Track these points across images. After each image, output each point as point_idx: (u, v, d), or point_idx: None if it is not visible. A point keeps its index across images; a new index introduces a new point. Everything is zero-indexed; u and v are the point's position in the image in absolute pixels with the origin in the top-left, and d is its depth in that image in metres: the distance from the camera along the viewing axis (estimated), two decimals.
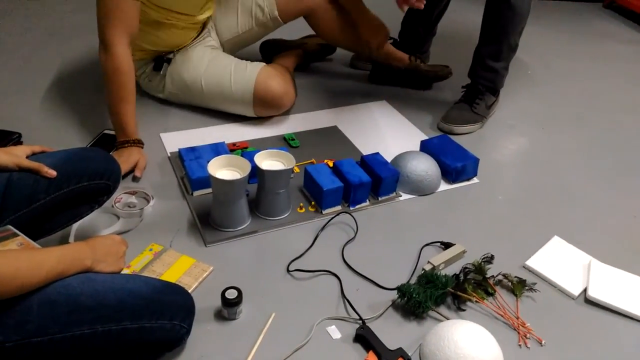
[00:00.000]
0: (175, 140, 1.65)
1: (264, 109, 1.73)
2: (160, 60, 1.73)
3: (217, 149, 1.51)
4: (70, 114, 1.74)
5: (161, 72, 1.74)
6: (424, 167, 1.50)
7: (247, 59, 1.76)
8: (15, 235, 0.95)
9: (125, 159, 1.44)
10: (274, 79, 1.69)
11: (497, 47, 1.77)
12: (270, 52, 2.08)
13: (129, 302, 0.90)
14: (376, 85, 2.08)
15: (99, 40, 1.43)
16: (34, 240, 0.96)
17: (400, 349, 1.05)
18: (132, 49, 1.70)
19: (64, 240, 1.24)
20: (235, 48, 1.94)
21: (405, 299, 1.14)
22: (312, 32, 2.04)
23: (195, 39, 1.77)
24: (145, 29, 1.64)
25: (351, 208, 1.43)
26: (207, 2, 1.70)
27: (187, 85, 1.74)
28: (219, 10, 1.86)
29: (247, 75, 1.68)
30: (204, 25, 1.81)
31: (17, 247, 0.93)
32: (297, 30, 2.06)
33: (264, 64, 1.74)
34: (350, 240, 1.34)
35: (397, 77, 2.05)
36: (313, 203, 1.43)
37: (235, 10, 1.86)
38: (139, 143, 1.49)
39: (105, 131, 1.63)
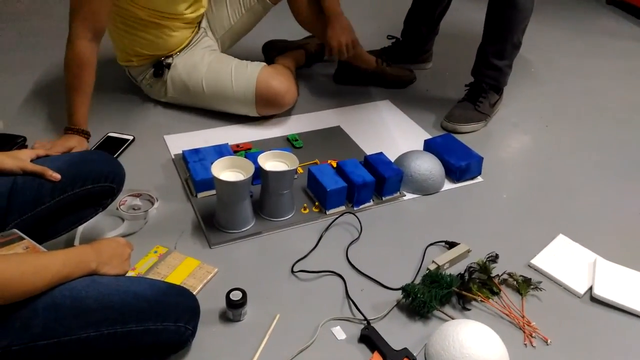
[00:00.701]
0: (179, 142, 1.65)
1: (266, 107, 1.73)
2: (160, 66, 1.73)
3: (221, 151, 1.51)
4: None
5: (162, 78, 1.74)
6: (428, 166, 1.50)
7: (248, 60, 1.76)
8: (21, 238, 0.96)
9: (61, 142, 1.41)
10: (275, 77, 1.70)
11: (501, 45, 1.77)
12: (272, 53, 2.08)
13: (134, 304, 0.90)
14: (348, 86, 2.05)
15: (68, 33, 1.44)
16: (39, 243, 0.97)
17: (405, 349, 1.05)
18: (130, 55, 1.72)
19: (69, 244, 1.24)
20: (231, 42, 1.95)
21: (410, 299, 1.14)
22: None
23: (191, 40, 1.77)
24: (139, 33, 1.65)
25: (355, 208, 1.43)
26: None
27: (188, 89, 1.74)
28: (209, 8, 1.86)
29: (248, 75, 1.69)
30: (198, 25, 1.81)
31: (23, 251, 0.93)
32: (299, 31, 2.06)
33: (265, 63, 1.74)
34: (355, 240, 1.34)
35: (362, 78, 2.04)
36: (317, 203, 1.43)
37: (223, 2, 1.86)
38: (83, 133, 1.47)
39: (110, 134, 1.63)
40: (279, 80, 1.70)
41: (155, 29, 1.66)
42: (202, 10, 1.77)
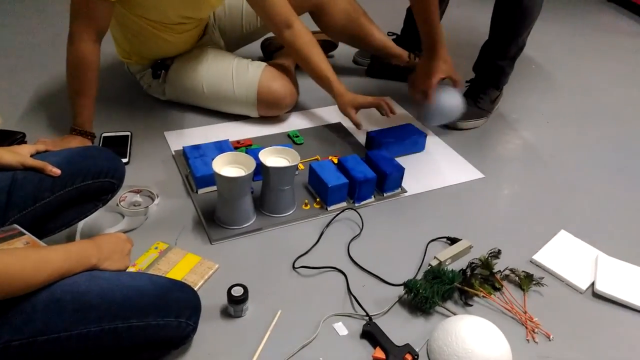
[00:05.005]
0: (180, 138, 1.64)
1: (267, 109, 1.72)
2: (158, 67, 1.72)
3: (221, 147, 1.50)
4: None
5: (160, 80, 1.73)
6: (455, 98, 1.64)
7: (247, 57, 1.75)
8: (22, 234, 0.95)
9: (63, 141, 1.41)
10: (276, 80, 1.69)
11: (505, 45, 1.76)
12: (270, 50, 2.08)
13: (135, 299, 0.90)
14: (380, 81, 2.07)
15: (68, 31, 1.41)
16: (40, 239, 0.96)
17: (407, 344, 1.05)
18: (129, 54, 1.71)
19: (70, 239, 1.24)
20: (238, 46, 1.94)
21: (412, 294, 1.13)
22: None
23: (194, 45, 1.76)
24: (138, 37, 1.63)
25: (356, 204, 1.43)
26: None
27: (188, 90, 1.73)
28: (222, 10, 1.85)
29: (250, 78, 1.67)
30: (204, 30, 1.79)
31: (23, 246, 0.93)
32: None
33: (265, 64, 1.73)
34: (356, 236, 1.33)
35: (394, 73, 2.05)
36: (318, 200, 1.42)
37: (239, 10, 1.85)
38: (86, 134, 1.46)
39: (104, 134, 1.61)
40: (280, 82, 1.69)
41: (153, 37, 1.62)
42: (203, 26, 1.74)
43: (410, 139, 1.63)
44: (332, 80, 1.67)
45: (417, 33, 2.08)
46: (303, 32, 1.64)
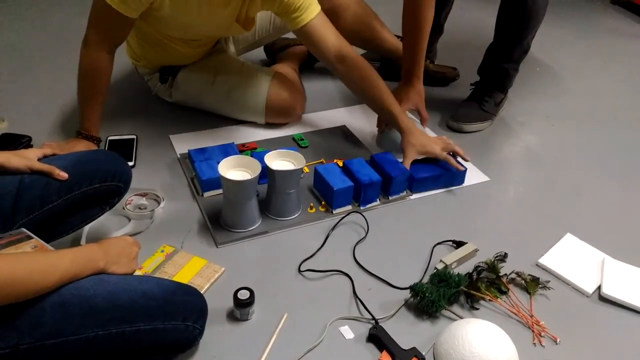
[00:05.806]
0: (185, 141, 1.65)
1: (275, 117, 1.73)
2: (165, 72, 1.72)
3: (227, 150, 1.50)
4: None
5: (166, 85, 1.74)
6: None
7: (250, 59, 1.75)
8: (29, 238, 0.95)
9: (69, 145, 1.41)
10: (285, 90, 1.69)
11: (510, 48, 1.76)
12: (274, 51, 2.08)
13: (142, 303, 0.90)
14: (390, 83, 2.05)
15: (85, 34, 1.40)
16: (47, 242, 0.97)
17: (414, 348, 1.05)
18: (139, 57, 1.71)
19: (76, 243, 1.24)
20: (247, 50, 1.95)
21: (418, 298, 1.13)
22: None
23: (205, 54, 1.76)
24: (151, 46, 1.63)
25: (362, 207, 1.43)
26: (232, 23, 1.56)
27: (194, 95, 1.73)
28: None
29: (259, 86, 1.67)
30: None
31: (31, 250, 0.93)
32: None
33: (274, 71, 1.73)
34: (362, 239, 1.33)
35: None
36: (323, 203, 1.42)
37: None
38: (92, 139, 1.46)
39: (110, 137, 1.61)
40: (289, 92, 1.70)
41: (167, 48, 1.63)
42: (216, 40, 1.75)
43: (449, 172, 1.52)
44: (398, 114, 1.54)
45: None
46: (359, 63, 1.54)
